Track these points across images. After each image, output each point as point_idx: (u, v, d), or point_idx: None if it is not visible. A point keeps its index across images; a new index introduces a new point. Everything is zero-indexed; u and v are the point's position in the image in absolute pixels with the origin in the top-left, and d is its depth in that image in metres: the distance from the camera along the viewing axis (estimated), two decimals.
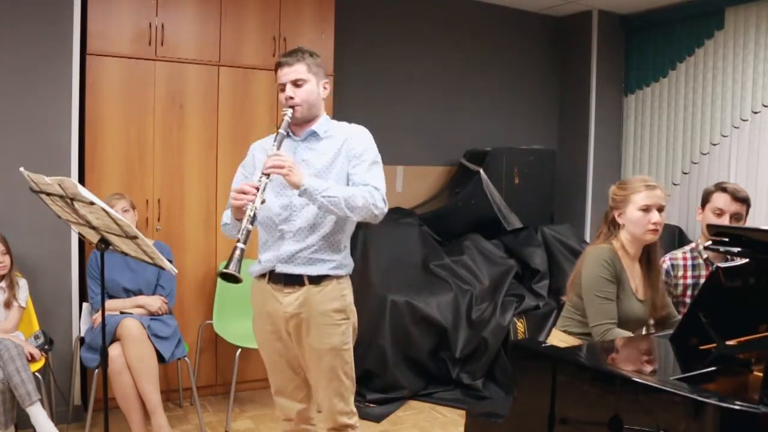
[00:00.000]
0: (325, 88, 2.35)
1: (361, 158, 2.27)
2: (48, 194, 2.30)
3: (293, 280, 2.24)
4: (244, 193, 2.09)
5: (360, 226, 4.42)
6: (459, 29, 5.16)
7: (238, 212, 2.13)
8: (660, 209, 2.34)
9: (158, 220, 3.70)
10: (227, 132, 3.84)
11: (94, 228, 2.34)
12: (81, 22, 3.46)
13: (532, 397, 1.86)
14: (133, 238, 2.25)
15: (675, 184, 5.20)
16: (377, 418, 3.71)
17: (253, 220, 2.06)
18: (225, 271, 1.96)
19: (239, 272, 1.99)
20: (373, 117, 4.78)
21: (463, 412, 2.87)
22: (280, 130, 2.21)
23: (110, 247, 2.42)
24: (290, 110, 2.24)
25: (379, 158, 2.32)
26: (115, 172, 3.58)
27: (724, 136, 4.84)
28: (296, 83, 2.26)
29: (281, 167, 2.09)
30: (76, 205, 2.22)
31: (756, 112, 4.63)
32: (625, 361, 1.97)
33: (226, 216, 2.35)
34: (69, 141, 3.45)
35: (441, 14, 5.08)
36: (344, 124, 2.40)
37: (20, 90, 3.35)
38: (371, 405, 3.83)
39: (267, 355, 2.41)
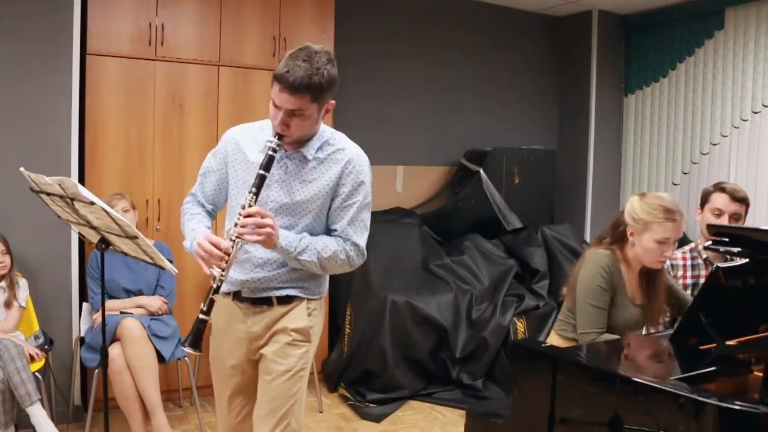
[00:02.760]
0: (327, 110, 1.96)
1: (350, 200, 1.98)
2: (48, 194, 2.30)
3: (261, 301, 2.03)
4: (213, 255, 1.84)
5: None
6: (459, 29, 5.16)
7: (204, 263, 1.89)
8: (676, 241, 2.27)
9: (158, 220, 3.70)
10: None
11: (94, 228, 2.34)
12: (81, 21, 3.46)
13: (532, 397, 1.86)
14: (134, 238, 2.25)
15: (675, 184, 5.20)
16: (377, 418, 3.71)
17: (217, 290, 1.86)
18: (183, 348, 1.85)
19: (199, 348, 1.84)
20: (373, 117, 4.82)
21: (463, 412, 2.87)
22: (260, 171, 1.87)
23: (110, 247, 2.42)
24: (276, 141, 1.88)
25: (369, 198, 2.03)
26: (115, 172, 3.58)
27: (724, 136, 4.84)
28: (293, 113, 1.87)
29: (258, 235, 1.83)
30: (76, 205, 2.22)
31: (756, 112, 4.63)
32: (625, 361, 1.97)
33: (186, 240, 2.06)
34: (69, 141, 3.45)
35: (441, 14, 5.08)
36: (342, 143, 2.03)
37: (20, 90, 3.35)
38: (371, 405, 3.83)
39: (216, 381, 2.19)
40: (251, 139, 2.04)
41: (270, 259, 1.99)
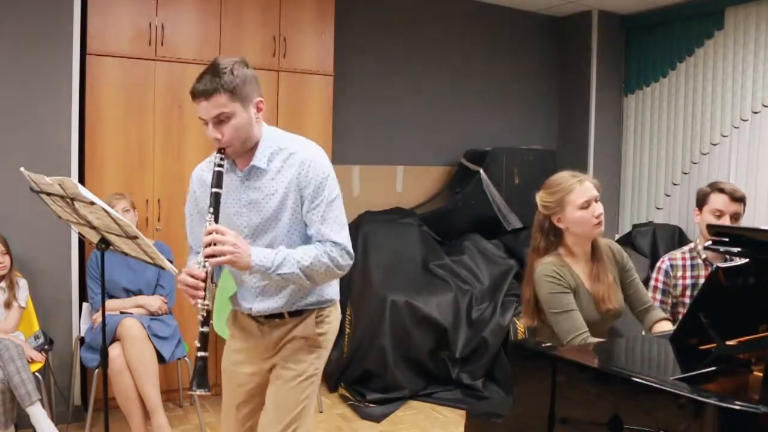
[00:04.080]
0: (258, 108, 1.93)
1: (316, 199, 1.92)
2: (48, 194, 2.30)
3: (273, 317, 2.04)
4: (191, 286, 1.81)
5: (360, 226, 4.47)
6: (459, 29, 5.17)
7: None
8: (597, 200, 2.24)
9: (158, 220, 3.70)
10: None
11: (94, 228, 2.34)
12: (81, 21, 3.46)
13: (532, 397, 1.86)
14: (134, 238, 2.25)
15: (675, 184, 5.20)
16: (377, 418, 3.71)
17: (207, 319, 1.81)
18: (191, 392, 1.84)
19: (208, 387, 1.81)
20: (373, 117, 4.83)
21: (463, 412, 2.87)
22: (212, 189, 1.85)
23: (110, 247, 2.42)
24: (219, 155, 1.86)
25: (335, 191, 1.96)
26: (115, 172, 3.59)
27: (724, 136, 4.84)
28: (219, 119, 1.84)
29: (221, 249, 1.78)
30: (77, 205, 2.22)
31: (756, 112, 4.63)
32: (625, 361, 1.97)
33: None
34: (69, 141, 3.45)
35: (441, 14, 5.08)
36: (292, 144, 1.97)
37: (20, 90, 3.36)
38: (371, 405, 3.83)
39: (226, 391, 2.17)
40: (209, 169, 1.97)
41: (267, 285, 1.98)
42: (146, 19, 3.59)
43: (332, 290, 2.10)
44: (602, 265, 2.31)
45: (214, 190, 1.85)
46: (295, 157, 1.94)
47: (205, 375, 1.81)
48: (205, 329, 1.82)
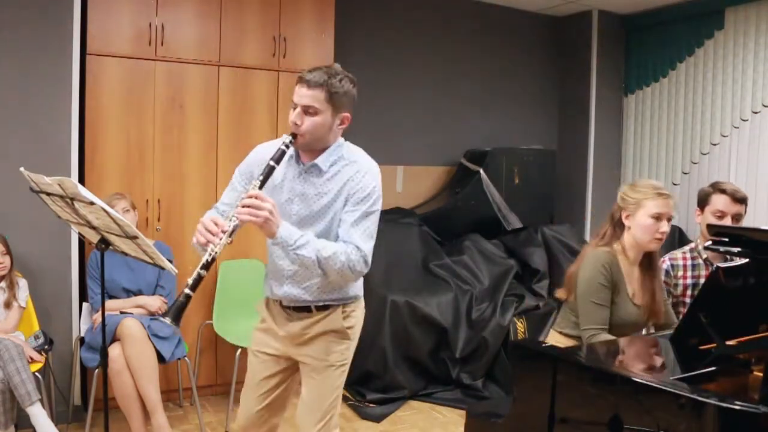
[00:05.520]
0: (342, 122, 2.09)
1: (357, 206, 2.06)
2: (48, 194, 2.30)
3: (302, 309, 2.18)
4: (210, 231, 1.90)
5: None
6: (459, 29, 5.16)
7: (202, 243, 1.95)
8: (669, 219, 2.33)
9: (158, 220, 3.70)
10: (227, 132, 3.84)
11: (94, 228, 2.34)
12: (81, 22, 3.46)
13: (532, 397, 1.86)
14: (134, 238, 2.25)
15: (675, 184, 5.20)
16: (377, 418, 3.71)
17: (209, 265, 1.88)
18: (161, 320, 1.90)
19: (179, 323, 1.86)
20: (373, 117, 4.82)
21: (463, 412, 2.87)
22: (270, 162, 1.97)
23: (110, 247, 2.41)
24: (289, 137, 2.01)
25: (376, 207, 2.09)
26: (115, 172, 3.58)
27: (724, 136, 4.84)
28: (308, 110, 2.01)
29: (257, 211, 1.89)
30: (76, 205, 2.22)
31: (756, 112, 4.63)
32: (625, 361, 1.97)
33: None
34: (69, 141, 3.45)
35: (441, 14, 5.08)
36: (356, 156, 2.14)
37: (20, 90, 3.35)
38: (371, 405, 3.83)
39: (251, 366, 2.30)
40: (274, 147, 2.05)
41: (298, 270, 2.10)
42: (146, 19, 3.59)
43: (357, 287, 2.25)
44: (656, 281, 2.42)
45: (271, 163, 1.97)
46: (353, 165, 2.10)
47: (182, 312, 1.86)
48: (203, 272, 1.88)
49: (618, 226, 2.40)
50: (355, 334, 2.27)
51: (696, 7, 4.91)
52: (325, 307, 2.17)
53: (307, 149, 2.09)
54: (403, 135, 4.96)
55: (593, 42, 5.42)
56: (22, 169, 2.29)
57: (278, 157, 1.98)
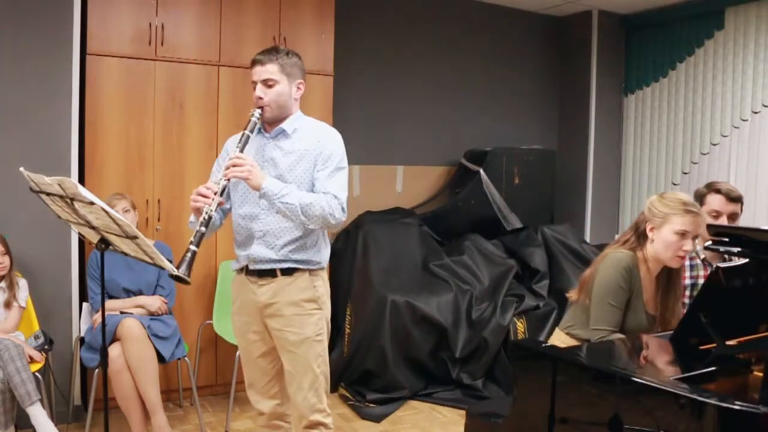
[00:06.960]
0: (298, 88, 2.38)
1: (326, 163, 2.30)
2: (48, 194, 2.29)
3: (266, 273, 2.32)
4: (203, 195, 2.15)
5: (360, 226, 4.46)
6: (459, 29, 5.17)
7: (198, 212, 2.20)
8: (695, 237, 2.28)
9: (158, 220, 3.70)
10: (227, 132, 3.81)
11: (94, 228, 2.33)
12: (81, 22, 3.46)
13: (532, 397, 1.86)
14: (134, 238, 2.24)
15: (675, 184, 5.20)
16: (377, 418, 3.71)
17: (207, 222, 2.12)
18: (174, 273, 2.06)
19: (189, 275, 2.07)
20: (373, 117, 4.83)
21: (463, 412, 2.87)
22: (246, 131, 2.24)
23: (110, 247, 2.41)
24: (258, 111, 2.28)
25: (344, 164, 2.35)
26: (115, 172, 3.58)
27: (724, 136, 4.84)
28: (267, 83, 2.30)
29: (240, 167, 2.16)
30: (76, 205, 2.22)
31: (756, 112, 4.63)
32: (625, 361, 1.97)
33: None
34: (69, 141, 3.45)
35: (441, 14, 5.09)
36: (317, 123, 2.42)
37: (20, 90, 3.35)
38: (371, 405, 3.83)
39: (242, 348, 2.49)
40: (234, 144, 2.35)
41: (269, 230, 2.30)
42: (146, 19, 3.59)
43: (322, 255, 2.39)
44: (674, 297, 2.38)
45: (246, 132, 2.24)
46: (316, 130, 2.37)
47: (191, 265, 2.09)
48: (203, 229, 2.13)
49: (642, 237, 2.34)
50: (326, 305, 2.40)
51: (696, 7, 4.92)
52: (289, 272, 2.31)
53: (274, 120, 2.34)
54: (403, 135, 4.96)
55: (593, 42, 5.42)
56: (22, 169, 2.28)
57: (252, 128, 2.25)
